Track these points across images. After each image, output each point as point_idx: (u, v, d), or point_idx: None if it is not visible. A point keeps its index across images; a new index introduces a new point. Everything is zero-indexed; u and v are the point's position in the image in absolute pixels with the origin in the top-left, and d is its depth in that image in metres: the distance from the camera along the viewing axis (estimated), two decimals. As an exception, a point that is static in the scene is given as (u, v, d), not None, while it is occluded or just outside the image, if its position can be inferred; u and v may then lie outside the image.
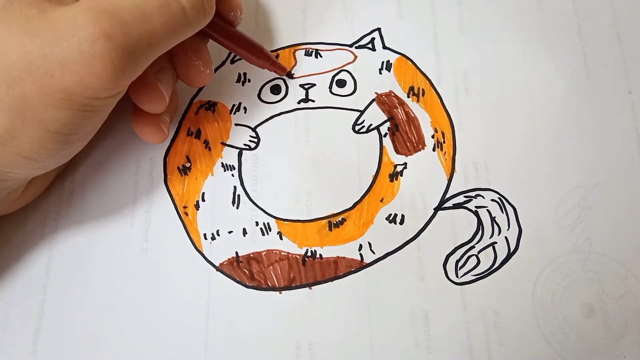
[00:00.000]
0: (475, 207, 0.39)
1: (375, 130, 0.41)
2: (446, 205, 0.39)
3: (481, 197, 0.39)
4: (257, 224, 0.39)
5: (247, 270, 0.38)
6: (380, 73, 0.43)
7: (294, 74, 0.43)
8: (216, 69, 0.43)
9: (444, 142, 0.41)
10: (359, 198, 0.40)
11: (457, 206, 0.39)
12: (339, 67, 0.43)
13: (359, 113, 0.42)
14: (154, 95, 0.36)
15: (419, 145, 0.41)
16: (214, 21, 0.36)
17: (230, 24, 0.39)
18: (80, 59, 0.28)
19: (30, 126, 0.30)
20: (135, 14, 0.30)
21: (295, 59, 0.43)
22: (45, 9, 0.29)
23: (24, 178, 0.35)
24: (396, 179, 0.40)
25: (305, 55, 0.43)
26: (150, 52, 0.31)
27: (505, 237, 0.38)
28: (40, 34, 0.29)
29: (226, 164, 0.40)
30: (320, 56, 0.43)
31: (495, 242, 0.38)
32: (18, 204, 0.38)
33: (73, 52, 0.28)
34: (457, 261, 0.38)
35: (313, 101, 0.42)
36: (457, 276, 0.38)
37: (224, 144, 0.41)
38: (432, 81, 0.43)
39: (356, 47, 0.44)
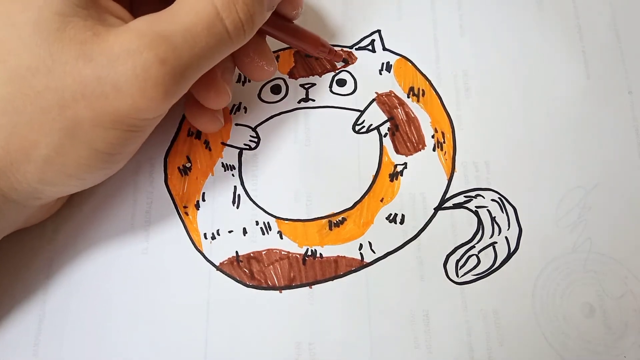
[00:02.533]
0: (476, 207, 0.39)
1: (376, 130, 0.41)
2: (446, 205, 0.39)
3: (481, 197, 0.39)
4: (257, 223, 0.39)
5: (247, 270, 0.38)
6: (381, 74, 0.43)
7: (348, 60, 0.44)
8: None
9: (444, 142, 0.41)
10: (359, 198, 0.40)
11: (457, 206, 0.39)
12: (339, 68, 0.43)
13: (359, 113, 0.42)
14: (221, 94, 0.37)
15: (419, 145, 0.41)
16: (271, 19, 0.36)
17: (289, 20, 0.40)
18: (134, 82, 0.29)
19: (78, 146, 0.31)
20: (187, 37, 0.30)
21: (295, 59, 0.43)
22: (99, 33, 0.30)
23: (62, 194, 0.35)
24: (396, 179, 0.40)
25: (305, 56, 0.43)
26: (199, 72, 0.32)
27: (506, 237, 0.38)
28: (95, 57, 0.29)
29: (226, 164, 0.41)
30: (320, 57, 0.43)
31: (496, 242, 0.38)
32: (46, 214, 0.39)
33: (127, 76, 0.29)
34: (458, 261, 0.38)
35: (313, 100, 0.42)
36: (457, 276, 0.38)
37: (224, 144, 0.41)
38: (432, 82, 0.43)
39: (356, 49, 0.44)
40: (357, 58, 0.43)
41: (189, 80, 0.31)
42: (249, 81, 0.43)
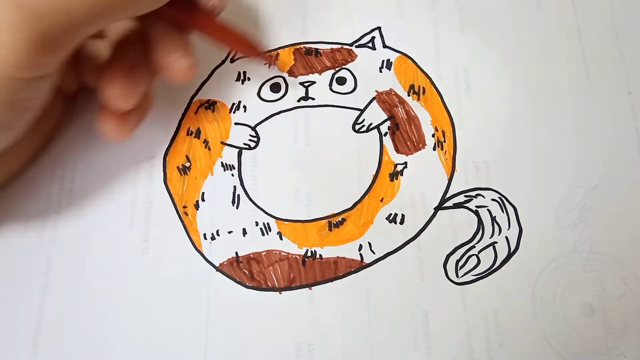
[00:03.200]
0: (476, 206, 0.39)
1: (376, 129, 0.41)
2: (446, 204, 0.39)
3: (481, 197, 0.39)
4: (257, 224, 0.39)
5: (247, 271, 0.38)
6: (381, 72, 0.43)
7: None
8: (215, 68, 0.43)
9: (445, 141, 0.41)
10: (359, 198, 0.40)
11: (457, 206, 0.39)
12: (339, 66, 0.43)
13: (359, 112, 0.41)
14: (124, 91, 0.34)
15: (419, 144, 0.41)
16: (190, 10, 0.35)
17: (210, 13, 0.37)
18: None
19: None
20: None
21: (294, 57, 0.43)
22: None
23: None
24: (396, 179, 0.40)
25: (305, 54, 0.43)
26: (72, 25, 0.28)
27: (506, 237, 0.38)
28: None
29: (226, 164, 0.40)
30: (320, 55, 0.43)
31: (496, 242, 0.38)
32: None
33: None
34: (458, 261, 0.38)
35: (313, 99, 0.42)
36: (457, 276, 0.38)
37: (223, 144, 0.41)
38: (433, 80, 0.43)
39: (356, 46, 0.44)
40: (357, 56, 0.43)
41: (59, 31, 0.28)
42: (249, 79, 0.43)
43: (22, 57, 0.27)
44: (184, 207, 0.40)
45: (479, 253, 0.38)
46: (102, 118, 0.36)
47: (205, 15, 0.37)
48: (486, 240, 0.38)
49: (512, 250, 0.38)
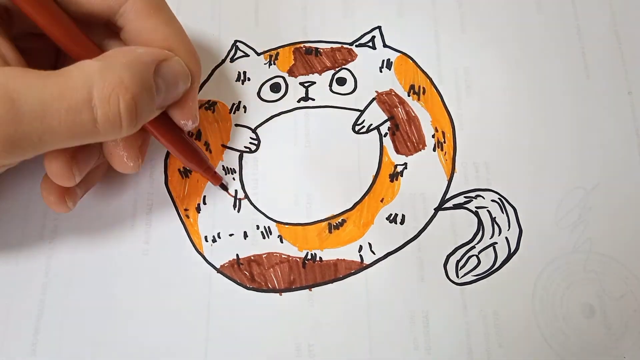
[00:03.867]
0: (476, 207, 0.39)
1: (376, 130, 0.41)
2: (446, 205, 0.39)
3: (481, 198, 0.39)
4: (257, 227, 0.39)
5: (248, 272, 0.38)
6: (381, 71, 0.43)
7: (227, 184, 0.41)
8: (215, 68, 0.43)
9: (445, 142, 0.41)
10: (359, 198, 0.40)
11: (457, 206, 0.39)
12: (339, 66, 0.43)
13: (359, 113, 0.41)
14: (61, 172, 0.33)
15: (419, 145, 0.41)
16: (157, 119, 0.34)
17: (179, 128, 0.36)
18: None
19: None
20: (36, 108, 0.28)
21: (294, 57, 0.43)
22: None
23: None
24: (396, 179, 0.40)
25: (305, 53, 0.43)
26: (41, 146, 0.29)
27: (506, 238, 0.39)
28: None
29: (227, 167, 0.40)
30: (320, 54, 0.43)
31: (496, 243, 0.38)
32: None
33: None
34: (458, 261, 0.38)
35: (313, 100, 0.42)
36: (457, 276, 0.38)
37: (224, 147, 0.41)
38: (433, 79, 0.43)
39: (356, 46, 0.44)
40: (357, 55, 0.43)
41: (26, 150, 0.29)
42: (249, 79, 0.43)
43: None
44: (186, 209, 0.40)
45: (479, 253, 0.38)
46: (44, 188, 0.36)
47: (174, 130, 0.36)
48: (486, 241, 0.38)
49: (512, 251, 0.38)
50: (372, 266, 0.38)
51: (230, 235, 0.39)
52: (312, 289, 0.38)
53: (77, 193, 0.36)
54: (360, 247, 0.38)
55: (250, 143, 0.41)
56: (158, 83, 0.32)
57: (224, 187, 0.40)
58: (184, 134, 0.37)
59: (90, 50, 0.32)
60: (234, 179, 0.40)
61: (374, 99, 0.42)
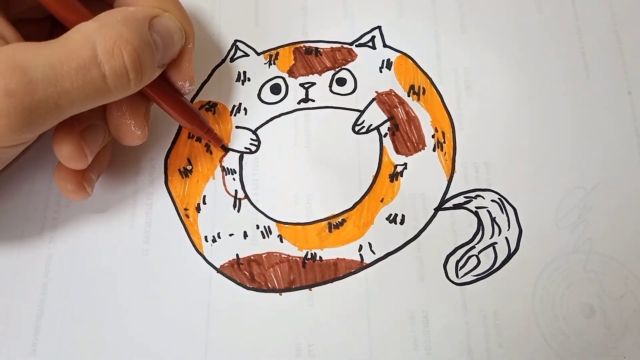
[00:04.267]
0: (476, 207, 0.39)
1: (375, 130, 0.41)
2: (446, 205, 0.39)
3: (481, 198, 0.39)
4: (257, 227, 0.39)
5: (248, 272, 0.38)
6: (381, 71, 0.43)
7: (228, 148, 0.41)
8: (215, 67, 0.43)
9: (444, 142, 0.41)
10: (359, 198, 0.40)
11: (457, 206, 0.39)
12: (339, 66, 0.43)
13: (359, 113, 0.41)
14: (74, 153, 0.34)
15: (419, 145, 0.41)
16: (155, 82, 0.35)
17: (177, 92, 0.37)
18: None
19: None
20: (48, 73, 0.28)
21: (294, 57, 0.43)
22: None
23: None
24: (396, 179, 0.40)
25: (305, 53, 0.43)
26: (59, 112, 0.30)
27: (506, 238, 0.39)
28: None
29: (227, 168, 0.40)
30: (320, 54, 0.43)
31: (496, 243, 0.38)
32: None
33: None
34: (458, 261, 0.38)
35: (313, 101, 0.42)
36: (457, 276, 0.38)
37: (224, 147, 0.41)
38: (433, 80, 0.43)
39: (356, 46, 0.44)
40: (357, 55, 0.43)
41: (45, 117, 0.30)
42: (249, 80, 0.43)
43: (4, 134, 0.29)
44: (185, 209, 0.40)
45: (479, 254, 0.38)
46: (60, 177, 0.36)
47: (172, 92, 0.37)
48: (486, 241, 0.38)
49: (512, 251, 0.38)
50: (372, 266, 0.38)
51: (230, 235, 0.39)
52: (312, 288, 0.38)
53: (92, 177, 0.37)
54: (360, 247, 0.38)
55: (251, 144, 0.41)
56: (154, 38, 0.32)
57: (225, 149, 0.41)
58: (183, 97, 0.38)
59: (85, 16, 0.32)
60: (234, 179, 0.40)
61: (373, 99, 0.42)
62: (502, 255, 0.38)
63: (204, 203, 0.40)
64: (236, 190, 0.40)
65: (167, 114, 0.38)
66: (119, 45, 0.30)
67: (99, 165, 0.38)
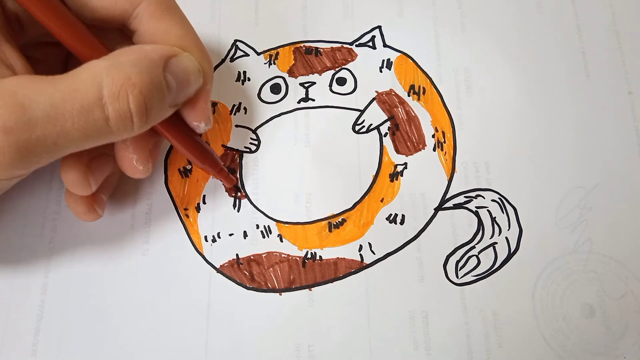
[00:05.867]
0: (476, 207, 0.39)
1: (376, 129, 0.41)
2: (446, 205, 0.39)
3: (481, 198, 0.39)
4: (257, 227, 0.39)
5: (248, 272, 0.38)
6: (381, 71, 0.43)
7: (240, 190, 0.40)
8: (215, 67, 0.43)
9: (445, 141, 0.41)
10: (359, 198, 0.40)
11: (457, 206, 0.39)
12: (339, 65, 0.43)
13: (359, 113, 0.41)
14: (78, 181, 0.34)
15: (419, 145, 0.41)
16: (169, 120, 0.34)
17: (192, 130, 0.36)
18: None
19: None
20: (49, 112, 0.28)
21: (294, 57, 0.43)
22: None
23: None
24: (396, 179, 0.40)
25: (305, 53, 0.43)
26: (56, 151, 0.29)
27: (506, 238, 0.39)
28: None
29: (227, 167, 0.40)
30: (320, 54, 0.43)
31: (496, 243, 0.38)
32: None
33: None
34: (458, 262, 0.38)
35: (313, 100, 0.42)
36: (457, 277, 0.38)
37: (225, 147, 0.41)
38: (433, 79, 0.42)
39: (356, 45, 0.44)
40: (357, 55, 0.43)
41: (41, 156, 0.29)
42: (249, 79, 0.43)
43: (1, 172, 0.29)
44: (185, 209, 0.40)
45: (479, 254, 0.38)
46: (70, 199, 0.36)
47: (186, 131, 0.36)
48: (486, 241, 0.38)
49: (512, 251, 0.38)
50: (372, 266, 0.38)
51: (230, 234, 0.39)
52: (312, 288, 0.38)
53: (103, 199, 0.37)
54: (360, 247, 0.38)
55: (251, 143, 0.41)
56: (168, 79, 0.31)
57: (238, 189, 0.40)
58: (197, 136, 0.37)
59: (100, 52, 0.32)
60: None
61: (374, 99, 0.42)
62: (502, 255, 0.38)
63: (204, 203, 0.40)
64: (237, 188, 0.40)
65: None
66: (126, 88, 0.29)
67: (107, 186, 0.38)
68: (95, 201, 0.36)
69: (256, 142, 0.41)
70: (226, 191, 0.40)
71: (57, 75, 0.29)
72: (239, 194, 0.40)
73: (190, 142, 0.36)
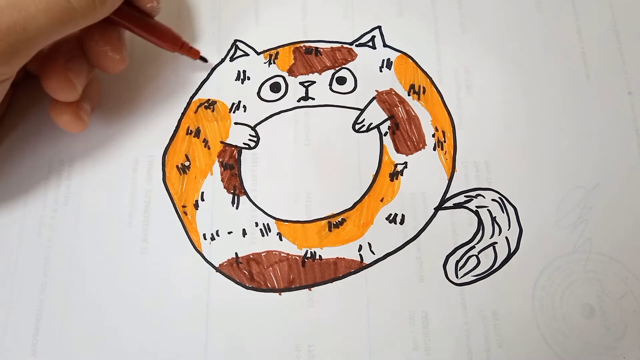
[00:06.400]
0: (476, 206, 0.39)
1: (376, 129, 0.41)
2: (446, 205, 0.39)
3: (482, 197, 0.39)
4: (256, 224, 0.39)
5: (247, 271, 0.38)
6: (381, 71, 0.43)
7: (206, 59, 0.43)
8: (215, 67, 0.43)
9: (445, 141, 0.41)
10: (359, 198, 0.39)
11: (457, 206, 0.39)
12: (339, 65, 0.43)
13: (359, 112, 0.41)
14: (63, 84, 0.35)
15: (419, 144, 0.41)
16: (123, 9, 0.36)
17: (148, 15, 0.38)
18: None
19: None
20: None
21: (294, 56, 0.43)
22: None
23: None
24: (396, 179, 0.40)
25: (305, 52, 0.43)
26: (28, 39, 0.31)
27: (506, 237, 0.38)
28: None
29: (225, 163, 0.40)
30: (320, 54, 0.43)
31: (496, 242, 0.38)
32: None
33: None
34: (457, 261, 0.38)
35: (313, 99, 0.42)
36: (457, 277, 0.38)
37: (223, 143, 0.41)
38: (433, 79, 0.42)
39: (356, 45, 0.44)
40: (357, 55, 0.43)
41: (15, 47, 0.30)
42: (249, 79, 0.43)
43: None
44: (184, 206, 0.39)
45: (478, 253, 0.38)
46: (55, 111, 0.37)
47: (143, 17, 0.38)
48: (486, 241, 0.38)
49: (512, 251, 0.38)
50: (371, 266, 0.38)
51: (229, 232, 0.39)
52: (312, 288, 0.38)
53: (87, 107, 0.38)
54: (360, 247, 0.38)
55: (249, 140, 0.41)
56: None
57: (204, 59, 0.42)
58: (153, 19, 0.39)
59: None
60: (232, 175, 0.40)
61: (374, 98, 0.42)
62: (502, 255, 0.38)
63: (202, 200, 0.40)
64: (235, 186, 0.40)
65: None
66: None
67: (90, 95, 0.39)
68: (80, 109, 0.37)
69: (255, 139, 0.41)
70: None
71: None
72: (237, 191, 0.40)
73: (147, 24, 0.38)
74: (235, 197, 0.40)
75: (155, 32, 0.39)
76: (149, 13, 0.38)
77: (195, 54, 0.41)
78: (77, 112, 0.37)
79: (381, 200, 0.39)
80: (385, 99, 0.42)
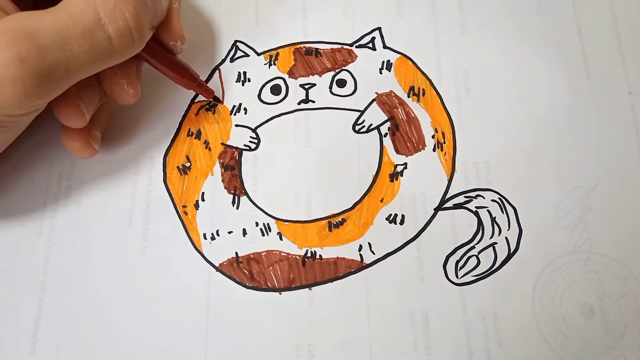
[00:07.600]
0: (476, 207, 0.39)
1: (376, 130, 0.41)
2: (446, 205, 0.39)
3: (481, 198, 0.39)
4: (257, 224, 0.39)
5: (247, 271, 0.38)
6: (381, 73, 0.43)
7: (220, 99, 0.43)
8: (215, 68, 0.43)
9: (444, 142, 0.41)
10: (359, 198, 0.40)
11: (457, 206, 0.39)
12: (339, 67, 0.43)
13: (359, 113, 0.41)
14: (71, 112, 0.36)
15: (419, 145, 0.41)
16: (149, 44, 0.36)
17: (170, 52, 0.39)
18: None
19: None
20: (56, 38, 0.30)
21: (294, 57, 0.43)
22: None
23: None
24: (396, 179, 0.40)
25: (305, 53, 0.43)
26: (69, 76, 0.31)
27: (506, 238, 0.38)
28: None
29: (226, 164, 0.40)
30: (320, 55, 0.43)
31: (496, 243, 0.38)
32: None
33: None
34: (457, 262, 0.38)
35: (313, 102, 0.42)
36: (457, 277, 0.38)
37: (224, 145, 0.41)
38: (433, 81, 0.42)
39: (356, 47, 0.44)
40: (357, 56, 0.43)
41: (56, 83, 0.31)
42: (249, 80, 0.43)
43: (20, 102, 0.30)
44: (184, 206, 0.40)
45: (478, 254, 0.38)
46: (66, 137, 0.38)
47: (165, 53, 0.39)
48: (486, 241, 0.38)
49: (512, 251, 0.38)
50: (371, 266, 0.38)
51: (229, 232, 0.39)
52: (312, 288, 0.38)
53: (97, 134, 0.39)
54: (360, 247, 0.38)
55: (250, 141, 0.41)
56: None
57: (217, 100, 0.42)
58: (174, 56, 0.39)
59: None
60: (233, 176, 0.40)
61: (373, 100, 0.42)
62: (502, 255, 0.38)
63: (203, 200, 0.40)
64: (235, 187, 0.40)
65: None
66: (120, 6, 0.31)
67: (100, 121, 0.39)
68: (91, 137, 0.38)
69: (256, 141, 0.41)
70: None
71: (49, 8, 0.31)
72: (237, 192, 0.40)
73: (169, 60, 0.39)
74: (236, 197, 0.40)
75: (175, 69, 0.39)
76: (172, 51, 0.39)
77: (210, 93, 0.41)
78: (87, 139, 0.38)
79: (381, 201, 0.39)
80: (385, 100, 0.42)
